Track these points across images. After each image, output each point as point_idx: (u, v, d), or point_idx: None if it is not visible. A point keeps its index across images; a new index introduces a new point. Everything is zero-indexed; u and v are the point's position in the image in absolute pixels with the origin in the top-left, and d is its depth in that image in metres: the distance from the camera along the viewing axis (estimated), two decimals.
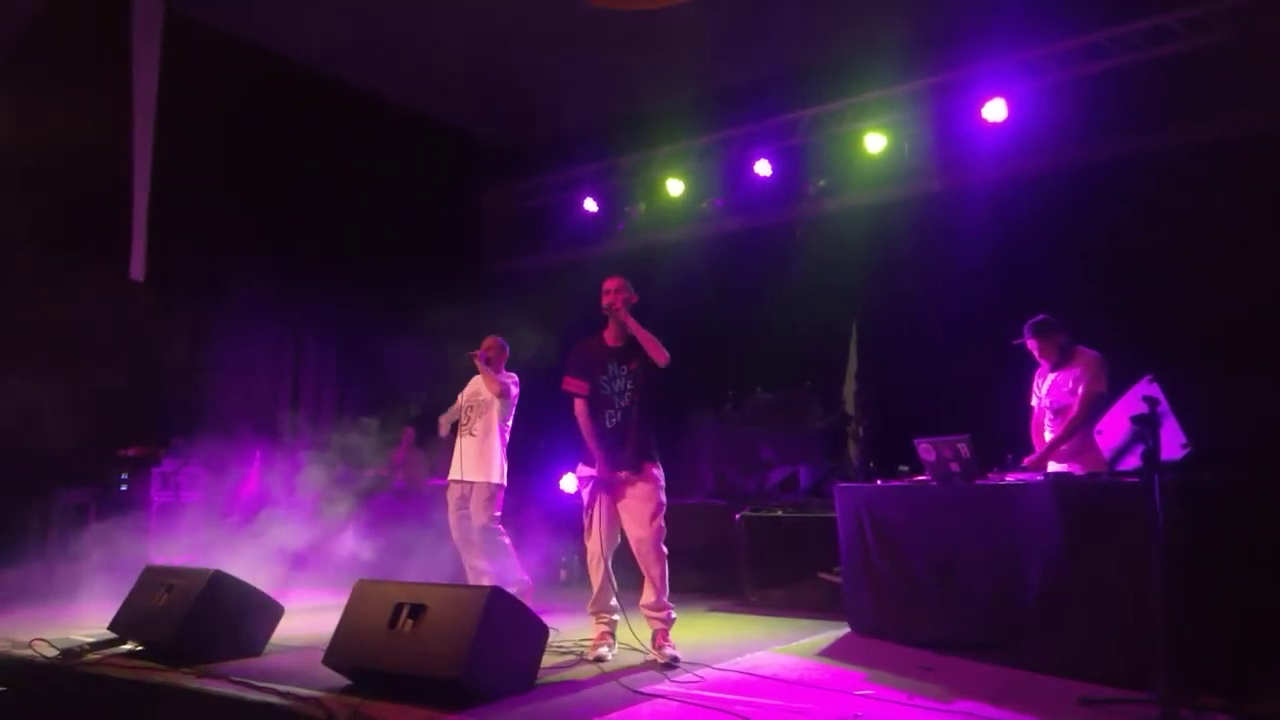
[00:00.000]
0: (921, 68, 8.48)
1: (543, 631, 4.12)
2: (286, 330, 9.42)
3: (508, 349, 6.58)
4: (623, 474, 4.90)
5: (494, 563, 6.13)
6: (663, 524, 4.89)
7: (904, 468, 5.97)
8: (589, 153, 10.48)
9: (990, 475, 4.98)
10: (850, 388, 8.77)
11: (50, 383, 7.50)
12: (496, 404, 6.32)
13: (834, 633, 5.35)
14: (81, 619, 5.77)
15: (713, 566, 7.29)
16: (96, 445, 7.82)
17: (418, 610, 3.90)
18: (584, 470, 5.04)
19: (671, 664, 4.48)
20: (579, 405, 5.04)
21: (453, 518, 6.29)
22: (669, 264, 9.44)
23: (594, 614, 4.92)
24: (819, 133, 9.13)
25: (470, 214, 11.44)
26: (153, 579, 5.15)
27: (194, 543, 7.64)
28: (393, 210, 9.87)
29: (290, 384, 9.41)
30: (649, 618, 4.82)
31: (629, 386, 5.00)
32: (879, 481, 5.71)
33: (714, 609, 6.58)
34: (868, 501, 5.39)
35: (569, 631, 5.24)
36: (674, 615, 4.86)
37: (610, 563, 4.91)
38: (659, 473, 5.00)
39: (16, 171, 7.16)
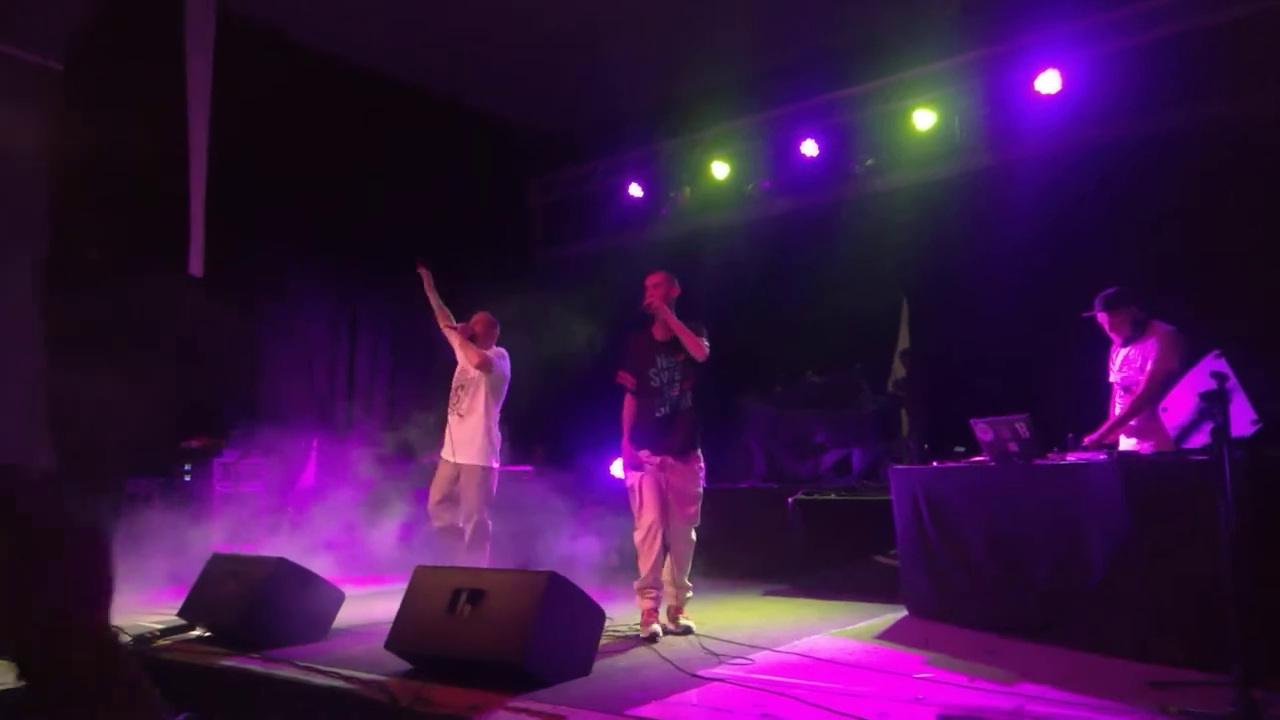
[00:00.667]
0: (971, 40, 8.35)
1: (600, 616, 4.14)
2: (341, 322, 9.55)
3: (498, 327, 6.35)
4: (670, 459, 5.08)
5: (470, 555, 5.82)
6: (699, 510, 5.20)
7: (959, 448, 5.91)
8: (633, 138, 10.48)
9: (1050, 455, 4.89)
10: (898, 368, 8.69)
11: (115, 376, 7.69)
12: (484, 382, 6.07)
13: (891, 616, 5.31)
14: (151, 606, 5.92)
15: (766, 551, 7.28)
16: (161, 437, 8.01)
17: (476, 595, 3.94)
18: (629, 457, 5.19)
19: (687, 632, 4.90)
20: (627, 399, 5.27)
21: (434, 496, 6.06)
22: (715, 248, 9.41)
23: (642, 589, 5.06)
24: (866, 111, 9.04)
25: (516, 203, 11.50)
26: (219, 567, 5.26)
27: (256, 531, 7.80)
28: (441, 201, 9.96)
29: (345, 375, 9.55)
30: (673, 592, 5.09)
31: (677, 378, 5.17)
32: (934, 463, 5.64)
33: (769, 593, 6.57)
34: (923, 483, 5.33)
35: (623, 616, 5.25)
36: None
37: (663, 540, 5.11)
38: (702, 464, 5.24)
39: (80, 172, 7.32)
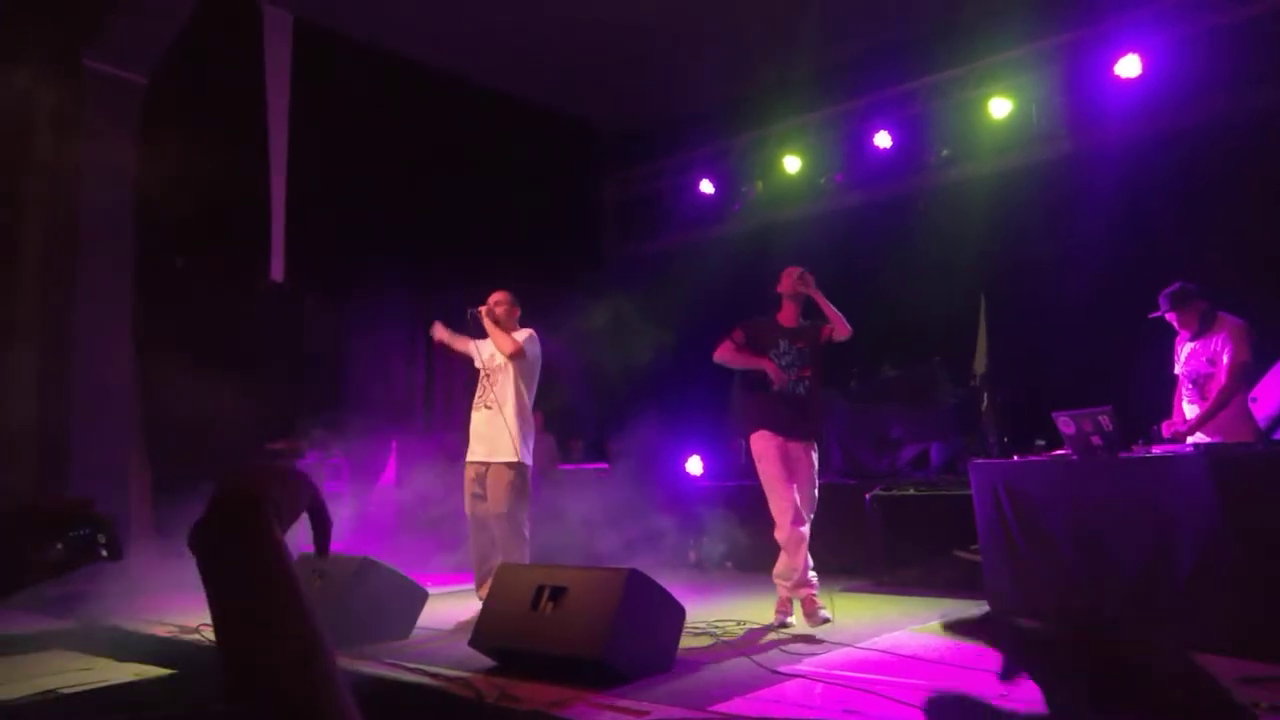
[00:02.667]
0: (1048, 25, 8.17)
1: (680, 612, 4.16)
2: (419, 323, 9.70)
3: (519, 308, 5.75)
4: (793, 443, 5.14)
5: (506, 552, 5.36)
6: (816, 496, 5.24)
7: (1040, 441, 5.81)
8: (705, 134, 10.48)
9: (1135, 448, 4.78)
10: (982, 362, 8.55)
11: (203, 381, 7.95)
12: (512, 369, 5.50)
13: (973, 612, 5.24)
14: None
15: (845, 547, 7.22)
16: (247, 440, 8.25)
17: (558, 592, 3.99)
18: (760, 434, 5.17)
19: (825, 622, 4.89)
20: (725, 344, 5.23)
21: (467, 502, 5.57)
22: (788, 242, 9.36)
23: (789, 582, 5.03)
24: (940, 100, 8.91)
25: (589, 201, 11.59)
26: (306, 566, 5.38)
27: (340, 530, 7.97)
28: (516, 202, 10.09)
29: (424, 375, 9.71)
30: (802, 582, 5.00)
31: (799, 362, 5.24)
32: (1015, 457, 5.55)
33: (848, 589, 6.52)
34: (1005, 477, 5.25)
35: (702, 612, 5.27)
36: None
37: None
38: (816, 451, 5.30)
39: (165, 182, 7.58)
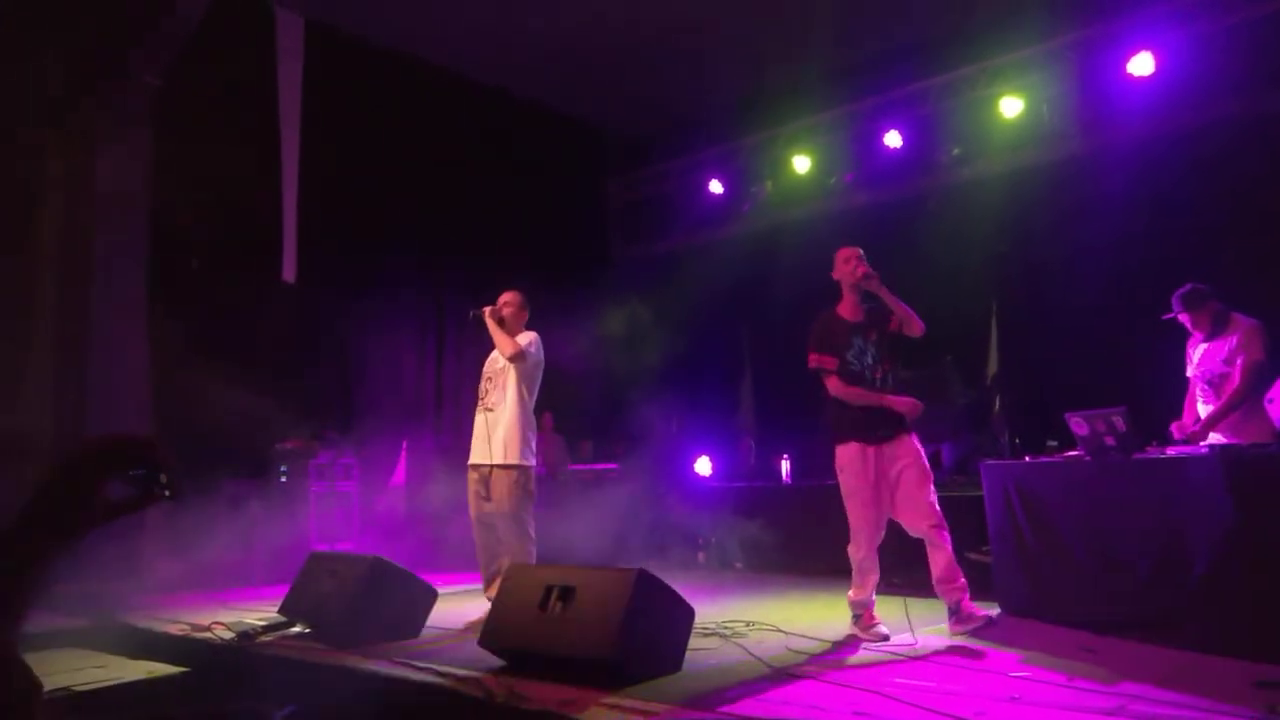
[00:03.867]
0: (1060, 24, 8.15)
1: (689, 613, 4.15)
2: (429, 324, 9.73)
3: (528, 310, 5.70)
4: (886, 447, 4.74)
5: (512, 553, 5.32)
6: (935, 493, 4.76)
7: (1052, 443, 5.79)
8: (714, 135, 10.48)
9: (1149, 449, 4.76)
10: (994, 363, 8.52)
11: (215, 380, 7.99)
12: (514, 372, 5.45)
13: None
14: (254, 603, 6.14)
15: None
16: (258, 439, 8.29)
17: (567, 592, 3.99)
18: (846, 447, 4.81)
19: (883, 639, 4.56)
20: (834, 381, 4.82)
21: (472, 504, 5.52)
22: (798, 242, 9.34)
23: (863, 604, 4.80)
24: (951, 100, 8.89)
25: (597, 201, 11.59)
26: (317, 565, 5.41)
27: (350, 530, 8.01)
28: (524, 203, 10.09)
29: (434, 376, 9.72)
30: (947, 589, 4.69)
31: (877, 358, 4.84)
32: (1027, 458, 5.53)
33: None
34: (1017, 479, 5.23)
35: (711, 613, 5.26)
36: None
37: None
38: (918, 441, 4.86)
39: (180, 183, 7.62)
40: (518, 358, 5.41)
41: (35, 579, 1.21)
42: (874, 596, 4.81)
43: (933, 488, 4.75)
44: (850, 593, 4.85)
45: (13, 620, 1.18)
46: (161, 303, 7.76)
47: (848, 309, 4.90)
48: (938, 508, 4.70)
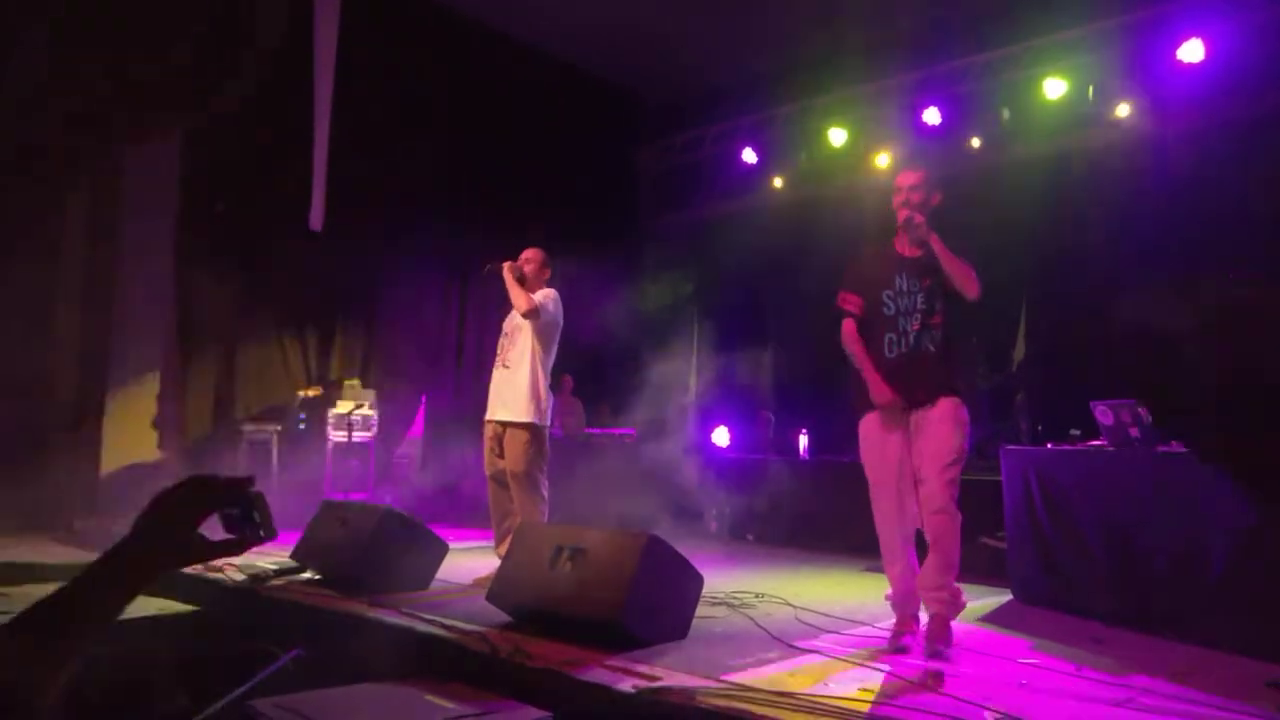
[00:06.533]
0: (1110, 5, 7.94)
1: (698, 580, 4.13)
2: (454, 280, 9.70)
3: (550, 269, 5.63)
4: (922, 410, 3.94)
5: (524, 511, 5.30)
6: (957, 477, 3.87)
7: (1075, 431, 5.70)
8: (748, 104, 10.34)
9: (1173, 442, 4.68)
10: (1021, 349, 8.42)
11: (241, 328, 8.04)
12: (529, 329, 5.39)
13: (995, 599, 5.18)
14: (266, 547, 6.16)
15: (869, 527, 7.16)
16: (279, 387, 8.34)
17: (577, 553, 3.98)
18: (867, 419, 4.12)
19: (936, 655, 3.64)
20: (847, 325, 4.13)
21: (486, 460, 5.51)
22: (829, 216, 9.24)
23: (897, 604, 4.04)
24: (993, 79, 8.72)
25: (627, 168, 11.50)
26: (329, 513, 5.44)
27: (365, 480, 8.05)
28: (555, 164, 10.03)
29: (456, 332, 9.72)
30: (925, 597, 3.92)
31: (921, 306, 3.97)
32: (1049, 445, 5.46)
33: (870, 569, 6.45)
34: (1037, 465, 5.16)
35: (721, 583, 5.25)
36: (964, 599, 3.94)
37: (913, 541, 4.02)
38: (963, 412, 3.92)
39: (210, 131, 7.61)
40: (532, 314, 5.33)
41: (113, 614, 1.23)
42: (915, 604, 4.03)
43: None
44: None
45: (71, 655, 1.18)
46: (188, 250, 7.78)
47: (904, 242, 4.09)
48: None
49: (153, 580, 1.25)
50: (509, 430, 5.38)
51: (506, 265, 5.45)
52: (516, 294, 5.35)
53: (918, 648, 3.82)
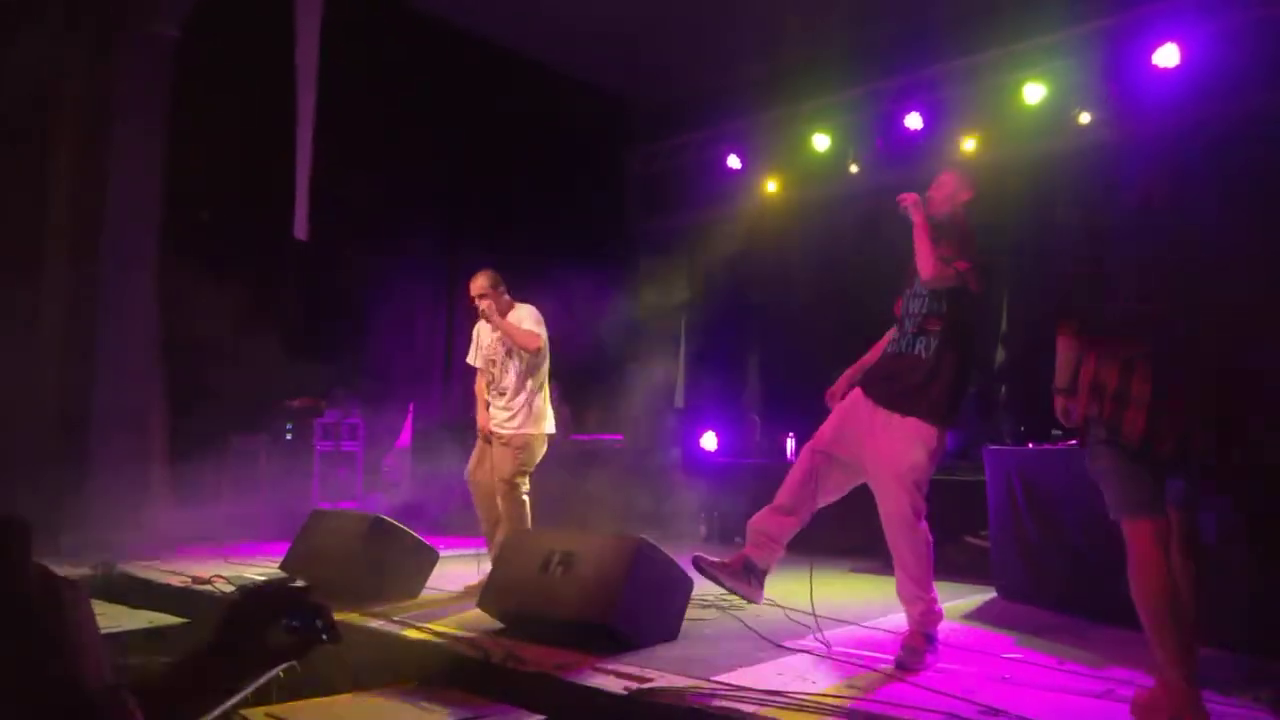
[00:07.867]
0: (1087, 10, 8.04)
1: (688, 584, 4.19)
2: (441, 287, 9.71)
3: (503, 284, 5.41)
4: (883, 411, 3.86)
5: (511, 522, 5.23)
6: (914, 494, 3.81)
7: (1057, 432, 5.78)
8: (732, 110, 10.38)
9: None
10: (1001, 352, 8.50)
11: (224, 337, 8.02)
12: (520, 359, 5.36)
13: (980, 597, 5.25)
14: (255, 558, 6.19)
15: (855, 527, 7.21)
16: (265, 396, 8.32)
17: (568, 557, 4.02)
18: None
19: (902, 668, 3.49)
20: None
21: (471, 466, 5.55)
22: (813, 221, 9.30)
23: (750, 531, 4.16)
24: (974, 84, 8.78)
25: (613, 172, 11.52)
26: (319, 523, 5.46)
27: (354, 489, 8.06)
28: (541, 170, 10.03)
29: (444, 340, 9.72)
30: (904, 608, 3.83)
31: (919, 310, 3.92)
32: (1031, 445, 5.54)
33: (856, 569, 6.54)
34: (1020, 466, 5.24)
35: (710, 586, 5.25)
36: (940, 608, 3.78)
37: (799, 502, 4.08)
38: (931, 433, 3.79)
39: (194, 137, 7.59)
40: (542, 351, 5.35)
41: None
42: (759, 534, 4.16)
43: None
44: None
45: None
46: (173, 258, 7.77)
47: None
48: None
49: (235, 693, 1.32)
50: (501, 439, 5.38)
51: (480, 311, 5.36)
52: (516, 335, 5.28)
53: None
